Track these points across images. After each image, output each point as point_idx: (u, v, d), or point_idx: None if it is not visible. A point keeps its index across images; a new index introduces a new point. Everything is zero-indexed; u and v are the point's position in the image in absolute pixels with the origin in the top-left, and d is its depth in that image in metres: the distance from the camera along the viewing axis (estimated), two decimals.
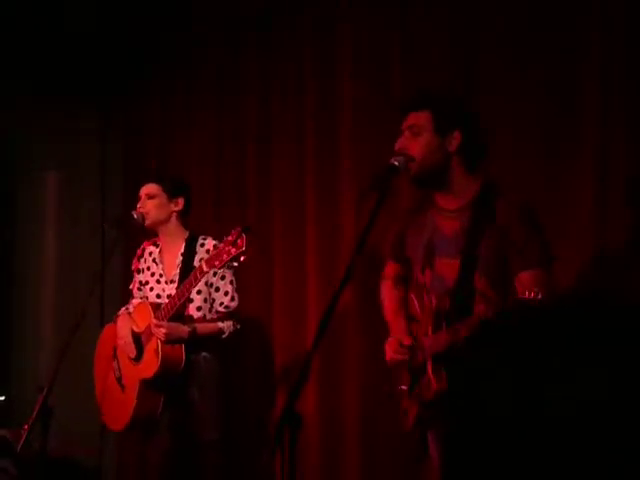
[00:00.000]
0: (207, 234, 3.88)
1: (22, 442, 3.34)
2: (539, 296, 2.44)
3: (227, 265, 3.32)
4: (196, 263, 3.72)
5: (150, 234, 3.95)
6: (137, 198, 3.87)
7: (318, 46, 4.38)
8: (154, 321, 3.60)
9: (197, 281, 3.50)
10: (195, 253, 3.80)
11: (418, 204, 2.96)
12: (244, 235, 3.22)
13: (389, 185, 2.68)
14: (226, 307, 3.80)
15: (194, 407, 3.69)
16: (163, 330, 3.57)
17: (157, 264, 3.88)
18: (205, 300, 3.79)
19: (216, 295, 3.79)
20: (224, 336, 3.77)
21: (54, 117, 5.24)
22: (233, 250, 3.24)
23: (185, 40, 5.09)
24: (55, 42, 4.99)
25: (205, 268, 3.39)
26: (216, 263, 3.31)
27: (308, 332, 4.21)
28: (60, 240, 5.29)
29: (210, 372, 3.73)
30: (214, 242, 3.78)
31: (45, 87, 5.14)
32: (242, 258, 3.28)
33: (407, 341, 2.82)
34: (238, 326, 3.81)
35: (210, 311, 3.80)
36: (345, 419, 4.09)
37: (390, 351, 2.88)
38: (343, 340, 4.12)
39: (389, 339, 2.93)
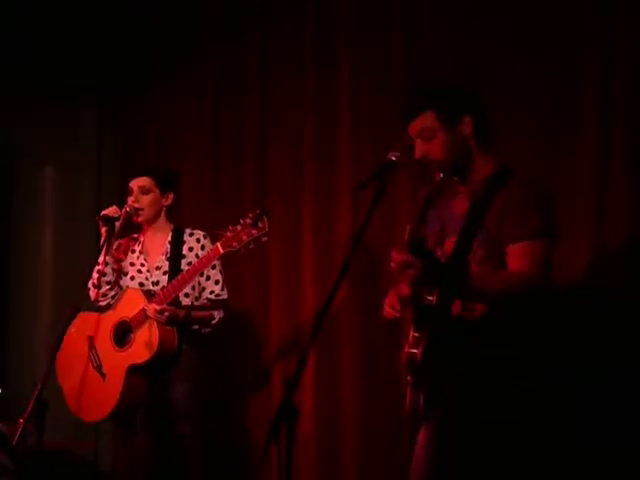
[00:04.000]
0: (205, 230, 3.90)
1: (17, 436, 3.34)
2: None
3: (244, 247, 3.33)
4: (185, 251, 3.77)
5: (134, 227, 3.94)
6: (128, 190, 3.86)
7: (318, 44, 4.38)
8: (156, 306, 3.58)
9: (209, 263, 3.52)
10: (183, 242, 3.82)
11: (438, 187, 2.89)
12: (265, 217, 3.23)
13: (386, 180, 2.69)
14: (217, 295, 3.81)
15: (169, 399, 3.69)
16: (167, 314, 3.57)
17: (138, 255, 3.87)
18: (193, 287, 3.78)
19: (206, 284, 3.79)
20: (214, 322, 3.77)
21: (51, 113, 5.24)
22: (254, 232, 3.27)
23: (184, 38, 5.08)
24: (54, 39, 4.99)
25: (222, 250, 3.40)
26: (234, 244, 3.33)
27: (305, 326, 4.21)
28: (57, 235, 5.30)
29: (189, 365, 3.72)
30: (203, 233, 3.84)
31: (43, 83, 5.14)
32: (264, 239, 3.31)
33: (406, 291, 2.72)
34: (225, 313, 3.82)
35: (197, 299, 3.80)
36: (342, 414, 4.10)
37: (387, 305, 2.81)
38: (340, 335, 4.12)
39: (389, 292, 2.84)
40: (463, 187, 2.75)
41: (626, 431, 2.27)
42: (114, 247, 3.89)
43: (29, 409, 3.32)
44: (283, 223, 4.41)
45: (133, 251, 3.90)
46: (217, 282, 3.81)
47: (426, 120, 2.70)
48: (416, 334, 2.60)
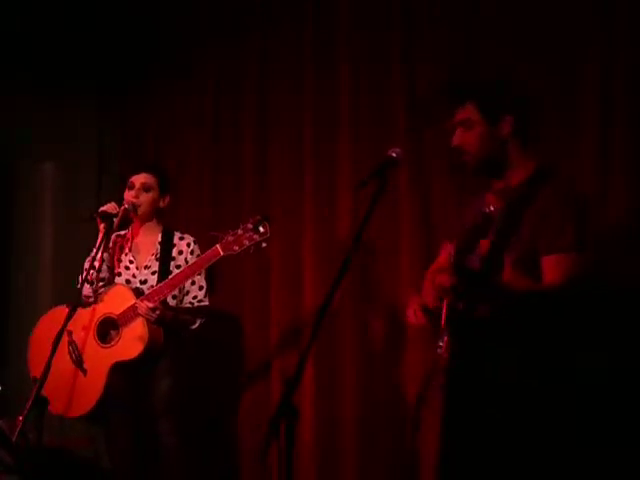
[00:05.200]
0: (204, 230, 3.91)
1: (17, 433, 3.34)
2: None
3: (245, 251, 3.35)
4: (174, 254, 3.79)
5: (128, 224, 3.94)
6: (128, 184, 3.85)
7: (318, 44, 4.38)
8: (149, 304, 3.58)
9: (207, 264, 3.52)
10: (173, 245, 3.83)
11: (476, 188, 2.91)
12: (267, 222, 3.25)
13: (387, 178, 2.69)
14: (199, 301, 3.83)
15: (149, 396, 3.69)
16: (158, 312, 3.57)
17: (127, 252, 3.86)
18: (179, 290, 3.79)
19: (191, 288, 3.80)
20: (194, 327, 3.78)
21: (52, 111, 5.23)
22: (256, 236, 3.31)
23: (184, 38, 5.09)
24: (54, 39, 4.99)
25: (222, 252, 3.42)
26: (235, 247, 3.37)
27: (305, 325, 4.22)
28: (57, 234, 5.28)
29: (169, 363, 3.73)
30: (193, 238, 3.88)
31: (43, 83, 5.13)
32: (264, 245, 3.33)
33: (431, 303, 2.69)
34: (207, 320, 3.83)
35: (181, 302, 3.80)
36: (342, 414, 4.10)
37: (410, 312, 2.77)
38: (341, 334, 4.12)
39: (410, 299, 2.81)
40: (499, 185, 2.74)
41: (626, 431, 2.27)
42: (110, 244, 3.91)
43: (28, 406, 3.32)
44: (283, 222, 4.41)
45: (120, 246, 3.90)
46: (201, 288, 3.83)
47: (467, 111, 2.71)
48: (449, 338, 2.60)
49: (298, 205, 4.37)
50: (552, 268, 2.56)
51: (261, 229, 3.32)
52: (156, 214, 3.91)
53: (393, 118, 4.03)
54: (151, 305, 3.58)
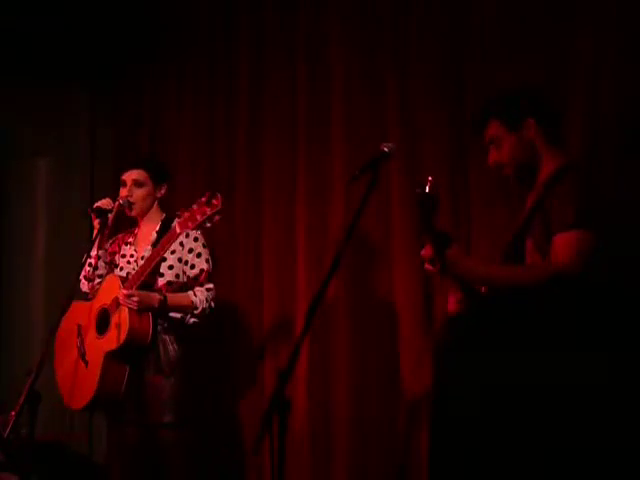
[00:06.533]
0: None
1: (10, 428, 3.34)
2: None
3: (199, 226, 3.30)
4: None
5: (130, 220, 3.93)
6: (121, 182, 3.84)
7: (310, 32, 4.37)
8: (124, 291, 3.55)
9: (169, 244, 3.48)
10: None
11: None
12: (218, 194, 3.22)
13: (379, 172, 2.70)
14: (200, 283, 3.73)
15: (152, 390, 3.64)
16: (135, 299, 3.53)
17: (130, 246, 3.86)
18: (177, 276, 3.74)
19: (190, 272, 3.76)
20: (197, 312, 3.69)
21: (44, 103, 5.22)
22: (208, 210, 3.24)
23: (176, 24, 5.07)
24: (45, 27, 4.96)
25: (178, 230, 3.37)
26: (189, 224, 3.30)
27: (298, 318, 4.21)
28: (50, 231, 5.27)
29: (172, 356, 3.68)
30: None
31: (37, 79, 5.11)
32: (217, 218, 3.28)
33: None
34: (212, 304, 3.73)
35: (181, 289, 3.74)
36: (336, 407, 4.09)
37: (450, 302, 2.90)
38: (334, 327, 4.12)
39: (450, 291, 2.92)
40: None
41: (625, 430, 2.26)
42: (109, 242, 3.89)
43: (21, 401, 3.31)
44: (276, 213, 4.42)
45: (127, 243, 3.89)
46: (201, 271, 3.73)
47: (492, 129, 2.85)
48: None
49: (290, 190, 4.35)
50: (558, 247, 2.60)
51: (213, 202, 3.26)
52: (159, 204, 3.87)
53: (385, 117, 4.03)
54: (125, 292, 3.55)
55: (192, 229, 3.35)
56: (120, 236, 3.94)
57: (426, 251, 2.71)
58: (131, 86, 5.32)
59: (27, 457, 3.67)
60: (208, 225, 3.30)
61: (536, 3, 3.54)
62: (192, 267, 3.74)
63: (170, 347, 3.69)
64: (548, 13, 3.49)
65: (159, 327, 3.68)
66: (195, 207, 3.29)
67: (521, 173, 2.84)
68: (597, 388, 2.48)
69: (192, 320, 3.72)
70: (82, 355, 3.72)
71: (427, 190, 2.67)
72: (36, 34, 4.97)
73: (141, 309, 3.56)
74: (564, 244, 2.59)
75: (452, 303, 2.86)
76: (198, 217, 3.27)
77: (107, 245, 3.88)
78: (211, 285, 3.75)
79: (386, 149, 2.76)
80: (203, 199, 3.27)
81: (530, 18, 3.53)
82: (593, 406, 2.48)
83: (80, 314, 3.77)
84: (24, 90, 5.11)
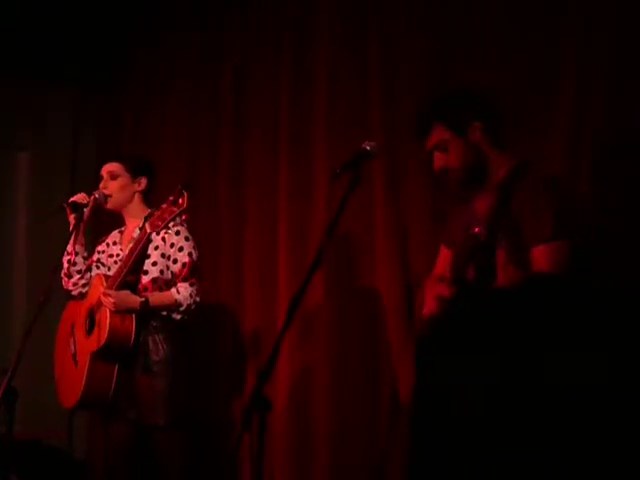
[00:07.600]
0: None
1: None
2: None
3: (167, 225, 3.32)
4: (152, 236, 3.61)
5: (114, 215, 3.91)
6: (99, 177, 3.83)
7: (295, 32, 4.36)
8: (102, 290, 3.55)
9: (141, 243, 3.48)
10: None
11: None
12: (184, 192, 3.23)
13: (361, 170, 2.70)
14: (183, 278, 3.68)
15: (138, 390, 3.63)
16: (111, 299, 3.51)
17: (117, 245, 3.85)
18: (162, 272, 3.70)
19: (173, 267, 3.73)
20: (182, 309, 3.65)
21: (27, 100, 5.19)
22: (175, 209, 3.25)
23: (161, 25, 5.07)
24: (29, 25, 4.94)
25: (148, 229, 3.38)
26: (159, 223, 3.31)
27: (279, 315, 4.19)
28: (31, 220, 5.24)
29: (158, 356, 3.65)
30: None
31: (18, 71, 5.08)
32: (183, 216, 3.32)
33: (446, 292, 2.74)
34: (197, 299, 3.68)
35: (167, 284, 3.72)
36: (316, 406, 4.09)
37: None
38: (315, 326, 4.12)
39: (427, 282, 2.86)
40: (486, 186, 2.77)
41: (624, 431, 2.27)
42: (98, 242, 3.90)
43: None
44: (258, 212, 4.41)
45: (115, 243, 3.87)
46: (184, 265, 3.70)
47: (437, 133, 2.76)
48: None
49: (272, 189, 4.35)
50: (538, 259, 2.57)
51: (180, 201, 3.28)
52: (142, 199, 3.83)
53: (369, 118, 4.03)
54: (103, 291, 3.55)
55: (161, 228, 3.36)
56: (109, 236, 3.93)
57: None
58: (114, 81, 5.31)
59: (6, 455, 3.65)
60: (175, 222, 3.38)
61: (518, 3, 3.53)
62: (175, 262, 3.71)
63: (160, 347, 3.66)
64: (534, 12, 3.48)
65: (150, 326, 3.65)
66: (164, 206, 3.30)
67: (470, 177, 2.76)
68: (590, 389, 2.48)
69: (178, 317, 3.69)
70: (73, 354, 3.74)
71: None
72: (20, 31, 4.95)
73: (119, 310, 3.54)
74: (544, 256, 2.56)
75: (431, 302, 2.79)
76: (166, 216, 3.29)
77: (84, 239, 3.85)
78: (194, 279, 3.70)
79: (368, 147, 2.76)
80: (171, 198, 3.28)
81: (510, 20, 3.52)
82: (587, 408, 2.47)
83: (75, 313, 3.79)
84: (5, 84, 5.07)
